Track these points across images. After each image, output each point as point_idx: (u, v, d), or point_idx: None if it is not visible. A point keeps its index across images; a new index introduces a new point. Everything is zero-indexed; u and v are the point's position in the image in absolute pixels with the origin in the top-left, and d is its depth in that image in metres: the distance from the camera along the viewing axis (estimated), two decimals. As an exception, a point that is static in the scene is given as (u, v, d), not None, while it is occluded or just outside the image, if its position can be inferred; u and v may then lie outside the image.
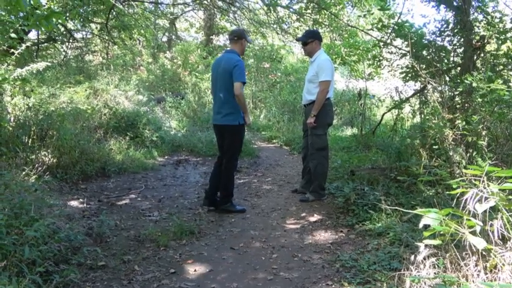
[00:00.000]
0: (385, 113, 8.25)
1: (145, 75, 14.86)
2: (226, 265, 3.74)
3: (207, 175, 7.20)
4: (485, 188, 2.43)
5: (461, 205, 2.52)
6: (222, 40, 20.07)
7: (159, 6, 16.47)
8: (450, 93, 5.44)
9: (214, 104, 5.26)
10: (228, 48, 5.29)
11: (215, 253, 4.00)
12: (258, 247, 4.14)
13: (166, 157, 8.52)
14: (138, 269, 3.59)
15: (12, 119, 5.82)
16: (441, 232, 2.40)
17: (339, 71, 14.34)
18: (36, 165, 5.21)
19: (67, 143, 6.11)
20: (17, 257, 2.97)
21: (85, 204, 5.28)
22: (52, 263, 3.27)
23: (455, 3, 6.01)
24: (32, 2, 4.93)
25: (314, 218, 4.89)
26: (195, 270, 3.61)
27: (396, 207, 3.52)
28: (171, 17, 18.60)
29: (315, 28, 10.12)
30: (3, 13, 6.00)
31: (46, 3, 6.08)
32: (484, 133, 4.40)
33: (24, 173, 4.77)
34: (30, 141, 5.71)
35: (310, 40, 5.57)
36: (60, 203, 4.74)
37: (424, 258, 2.59)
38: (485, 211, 2.40)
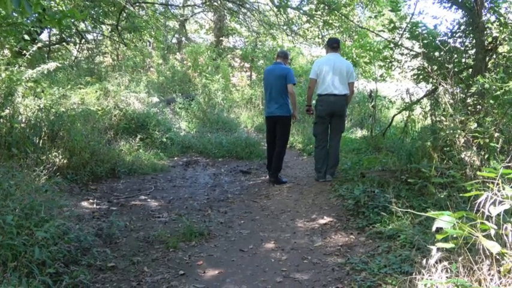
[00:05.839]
0: (396, 114, 8.19)
1: (155, 77, 14.91)
2: (236, 267, 3.73)
3: (216, 176, 7.21)
4: (499, 190, 2.39)
5: (475, 208, 2.48)
6: (232, 41, 20.07)
7: (169, 7, 16.52)
8: (462, 95, 5.39)
9: (269, 102, 6.62)
10: (278, 61, 6.74)
11: (224, 255, 3.99)
12: (267, 249, 4.12)
13: (176, 158, 8.54)
14: (147, 271, 3.59)
15: (23, 119, 5.85)
16: (454, 235, 2.36)
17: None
18: (47, 166, 5.22)
19: (78, 144, 6.14)
20: (27, 258, 2.98)
21: (95, 205, 5.31)
22: (62, 264, 3.27)
23: (467, 4, 5.96)
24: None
25: (324, 220, 4.85)
26: (204, 272, 3.60)
27: (407, 210, 3.48)
28: (181, 18, 18.63)
29: (325, 29, 10.15)
30: (16, 15, 6.04)
31: (57, 5, 6.10)
32: (496, 135, 4.34)
33: (35, 173, 4.79)
34: (41, 142, 5.74)
35: None
36: (70, 204, 4.75)
37: (436, 262, 2.54)
38: (499, 214, 2.36)
